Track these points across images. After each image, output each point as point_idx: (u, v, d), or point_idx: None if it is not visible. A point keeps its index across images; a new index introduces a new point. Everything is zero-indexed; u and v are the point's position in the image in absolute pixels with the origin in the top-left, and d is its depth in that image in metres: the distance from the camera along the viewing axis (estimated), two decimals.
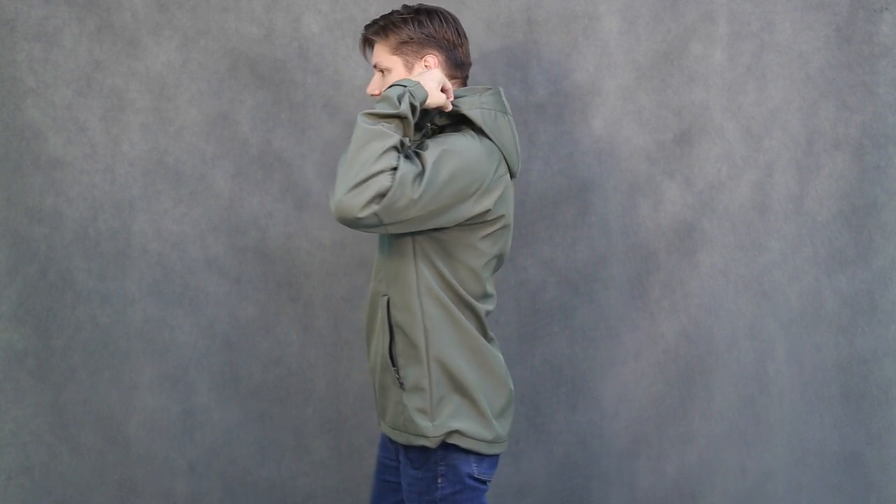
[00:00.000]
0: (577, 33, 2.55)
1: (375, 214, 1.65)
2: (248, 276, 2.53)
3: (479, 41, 2.52)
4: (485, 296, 1.92)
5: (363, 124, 1.69)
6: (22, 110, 2.40)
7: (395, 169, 1.66)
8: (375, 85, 1.95)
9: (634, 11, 2.56)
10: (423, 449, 1.86)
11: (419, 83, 1.78)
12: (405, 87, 1.76)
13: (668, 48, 2.58)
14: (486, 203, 1.81)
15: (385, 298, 1.87)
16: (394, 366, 1.87)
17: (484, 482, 1.90)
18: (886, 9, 2.61)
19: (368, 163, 1.65)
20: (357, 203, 1.64)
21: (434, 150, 1.75)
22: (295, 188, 2.51)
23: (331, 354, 2.55)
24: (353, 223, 1.67)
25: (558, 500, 2.63)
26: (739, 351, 2.65)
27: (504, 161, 1.88)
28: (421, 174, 1.69)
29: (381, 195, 1.64)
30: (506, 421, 1.94)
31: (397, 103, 1.72)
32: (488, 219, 1.84)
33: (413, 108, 1.74)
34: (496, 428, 1.89)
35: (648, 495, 2.65)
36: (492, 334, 1.96)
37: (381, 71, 1.94)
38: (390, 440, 2.00)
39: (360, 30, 2.49)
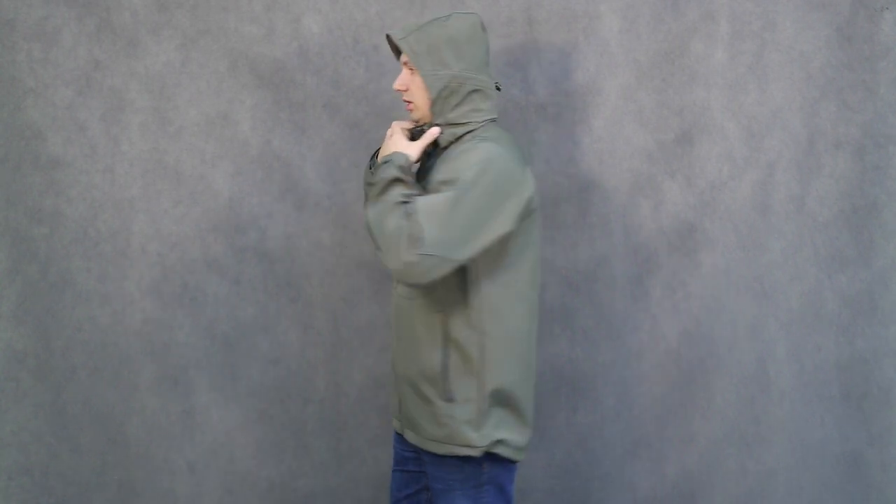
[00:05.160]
0: (578, 33, 2.55)
1: None
2: (247, 276, 2.52)
3: None
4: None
5: None
6: (22, 110, 2.40)
7: None
8: None
9: (635, 11, 2.55)
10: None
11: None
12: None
13: (669, 47, 2.57)
14: None
15: (441, 315, 1.90)
16: (444, 379, 1.90)
17: (514, 470, 2.00)
18: (887, 8, 2.61)
19: None
20: None
21: None
22: (295, 188, 2.51)
23: (331, 355, 2.55)
24: None
25: (559, 502, 2.63)
26: (740, 351, 2.65)
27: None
28: None
29: None
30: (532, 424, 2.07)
31: None
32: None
33: None
34: (529, 435, 1.98)
35: (649, 496, 2.65)
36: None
37: None
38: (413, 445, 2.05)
39: (360, 29, 2.51)
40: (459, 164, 1.83)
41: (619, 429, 2.63)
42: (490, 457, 1.92)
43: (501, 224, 1.81)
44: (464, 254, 1.78)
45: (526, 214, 1.87)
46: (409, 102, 1.98)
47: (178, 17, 2.45)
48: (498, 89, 2.03)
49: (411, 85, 1.95)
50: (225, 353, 2.53)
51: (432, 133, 1.94)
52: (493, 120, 1.98)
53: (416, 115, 1.99)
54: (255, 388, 2.54)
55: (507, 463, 1.94)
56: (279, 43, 2.49)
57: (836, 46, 2.61)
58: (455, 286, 1.89)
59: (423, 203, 1.78)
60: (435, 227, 1.76)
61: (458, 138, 1.95)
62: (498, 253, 1.87)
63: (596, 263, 2.59)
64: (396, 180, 1.86)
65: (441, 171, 1.87)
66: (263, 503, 2.56)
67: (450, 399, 1.90)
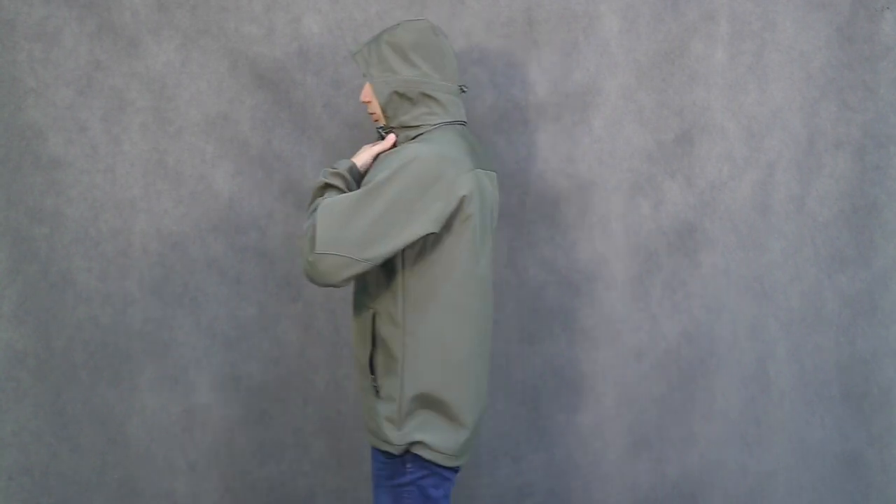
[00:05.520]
0: (578, 33, 2.55)
1: None
2: (248, 276, 2.53)
3: (479, 41, 2.52)
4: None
5: None
6: (22, 110, 2.40)
7: None
8: None
9: (635, 11, 2.55)
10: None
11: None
12: None
13: (668, 48, 2.57)
14: None
15: (371, 311, 1.91)
16: (372, 374, 1.92)
17: (448, 477, 1.96)
18: (888, 8, 2.61)
19: None
20: None
21: None
22: (295, 188, 2.51)
23: (331, 354, 2.55)
24: None
25: (559, 502, 2.63)
26: (740, 351, 2.65)
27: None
28: None
29: None
30: (475, 434, 1.99)
31: None
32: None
33: None
34: (463, 441, 1.94)
35: (649, 496, 2.65)
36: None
37: None
38: None
39: (360, 29, 2.51)
40: (382, 165, 1.83)
41: (619, 429, 2.63)
42: (415, 458, 1.91)
43: (420, 225, 1.78)
44: (371, 253, 1.76)
45: (461, 218, 1.85)
46: (373, 114, 2.00)
47: (179, 18, 2.46)
48: (463, 91, 2.03)
49: (371, 96, 1.99)
50: (225, 353, 2.53)
51: (388, 140, 1.97)
52: (455, 122, 1.97)
53: (380, 123, 2.02)
54: (255, 387, 2.54)
55: (434, 466, 1.91)
56: (279, 43, 2.49)
57: (837, 46, 2.61)
58: (384, 284, 1.89)
59: (324, 203, 1.78)
60: (330, 226, 1.75)
61: (411, 140, 1.95)
62: (427, 255, 1.86)
63: (596, 263, 2.59)
64: (326, 185, 1.88)
65: (369, 173, 1.89)
66: (263, 503, 2.56)
67: (377, 394, 1.92)
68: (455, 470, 1.96)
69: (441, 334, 1.87)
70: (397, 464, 1.91)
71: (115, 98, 2.45)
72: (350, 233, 1.75)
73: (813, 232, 2.65)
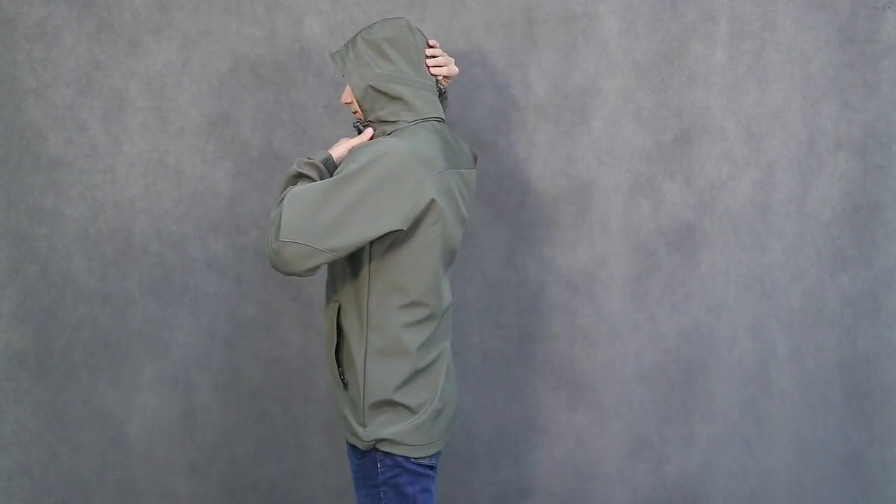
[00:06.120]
0: (577, 33, 2.55)
1: None
2: (248, 275, 2.53)
3: (479, 41, 2.52)
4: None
5: None
6: (22, 110, 2.41)
7: None
8: None
9: (634, 11, 2.55)
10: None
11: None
12: None
13: (668, 48, 2.57)
14: None
15: (336, 304, 1.91)
16: (339, 367, 1.92)
17: (423, 472, 1.95)
18: (889, 7, 2.60)
19: None
20: None
21: None
22: None
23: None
24: None
25: (559, 502, 2.63)
26: (741, 351, 2.65)
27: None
28: None
29: None
30: (440, 423, 1.97)
31: None
32: None
33: None
34: (429, 431, 1.93)
35: (650, 497, 2.64)
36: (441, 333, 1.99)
37: None
38: None
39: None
40: (354, 156, 1.82)
41: (620, 429, 2.63)
42: (385, 456, 1.91)
43: (389, 221, 1.77)
44: (335, 243, 1.74)
45: (431, 220, 1.84)
46: (356, 112, 2.01)
47: (179, 18, 2.46)
48: (441, 91, 2.05)
49: (351, 95, 2.00)
50: (225, 353, 2.53)
51: (366, 134, 1.97)
52: (432, 119, 1.96)
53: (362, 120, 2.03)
54: (255, 387, 2.55)
55: (406, 461, 1.91)
56: (280, 44, 2.49)
57: (837, 46, 2.61)
58: (350, 277, 1.89)
59: (293, 191, 1.77)
60: (297, 214, 1.73)
61: (387, 135, 1.95)
62: (395, 251, 1.85)
63: (596, 263, 2.59)
64: (297, 175, 1.88)
65: (342, 164, 1.87)
66: (263, 503, 2.56)
67: (344, 388, 1.93)
68: (430, 466, 1.95)
69: (401, 334, 1.87)
70: (369, 464, 1.91)
71: (115, 98, 2.45)
72: (316, 222, 1.73)
73: (814, 232, 2.65)
